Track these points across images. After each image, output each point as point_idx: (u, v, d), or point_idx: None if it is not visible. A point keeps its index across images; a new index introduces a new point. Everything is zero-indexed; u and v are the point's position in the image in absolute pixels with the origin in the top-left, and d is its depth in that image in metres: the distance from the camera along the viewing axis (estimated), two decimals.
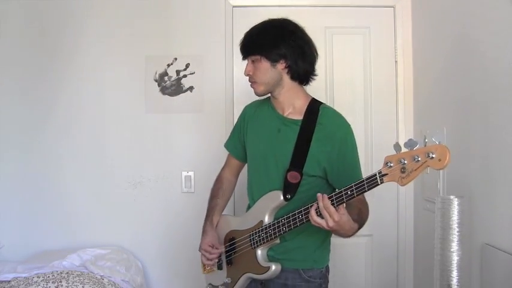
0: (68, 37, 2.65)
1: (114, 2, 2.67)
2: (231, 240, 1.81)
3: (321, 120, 1.66)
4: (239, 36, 1.77)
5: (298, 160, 1.63)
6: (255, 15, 2.64)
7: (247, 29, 1.76)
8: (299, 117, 1.69)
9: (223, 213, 1.93)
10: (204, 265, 1.93)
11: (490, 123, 1.87)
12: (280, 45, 1.65)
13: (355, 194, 1.42)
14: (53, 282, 2.09)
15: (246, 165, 1.90)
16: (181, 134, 2.69)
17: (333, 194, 1.46)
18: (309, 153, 1.63)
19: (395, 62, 2.71)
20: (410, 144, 1.33)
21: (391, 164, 1.35)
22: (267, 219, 1.66)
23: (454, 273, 1.74)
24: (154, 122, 2.68)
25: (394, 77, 2.71)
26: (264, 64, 1.66)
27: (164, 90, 2.68)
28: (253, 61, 1.68)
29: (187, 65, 2.67)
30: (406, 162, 1.33)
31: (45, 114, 2.65)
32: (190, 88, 2.68)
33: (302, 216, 1.54)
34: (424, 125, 2.52)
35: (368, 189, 1.41)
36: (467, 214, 1.80)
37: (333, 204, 1.44)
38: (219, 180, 1.97)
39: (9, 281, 2.18)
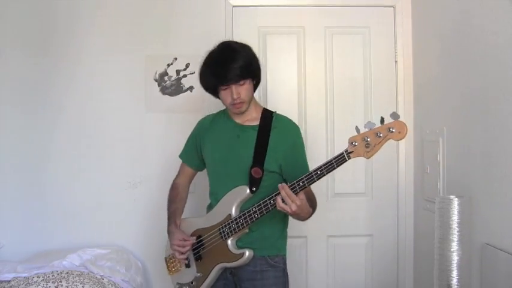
0: (68, 38, 2.65)
1: (114, 2, 2.67)
2: (197, 238, 1.93)
3: (275, 124, 1.89)
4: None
5: (259, 157, 1.84)
6: (255, 15, 2.69)
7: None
8: (256, 123, 1.90)
9: (183, 217, 2.05)
10: (168, 266, 2.06)
11: (490, 122, 1.87)
12: (258, 64, 1.87)
13: (324, 173, 1.64)
14: (53, 282, 2.09)
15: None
16: (181, 133, 2.67)
17: (303, 176, 1.66)
18: (267, 152, 1.84)
19: (395, 62, 2.70)
20: (369, 125, 1.56)
21: (356, 143, 1.59)
22: (234, 212, 1.82)
23: (454, 273, 1.74)
24: (154, 122, 2.68)
25: (394, 77, 2.71)
26: (250, 84, 1.84)
27: (164, 90, 2.68)
28: (240, 84, 1.80)
29: (187, 65, 2.67)
30: (369, 139, 1.56)
31: (43, 114, 2.65)
32: (190, 88, 2.68)
33: (273, 202, 1.72)
34: (424, 124, 2.52)
35: (337, 166, 1.62)
36: (467, 214, 1.79)
37: (304, 184, 1.65)
38: (174, 187, 2.12)
39: (9, 281, 2.19)
